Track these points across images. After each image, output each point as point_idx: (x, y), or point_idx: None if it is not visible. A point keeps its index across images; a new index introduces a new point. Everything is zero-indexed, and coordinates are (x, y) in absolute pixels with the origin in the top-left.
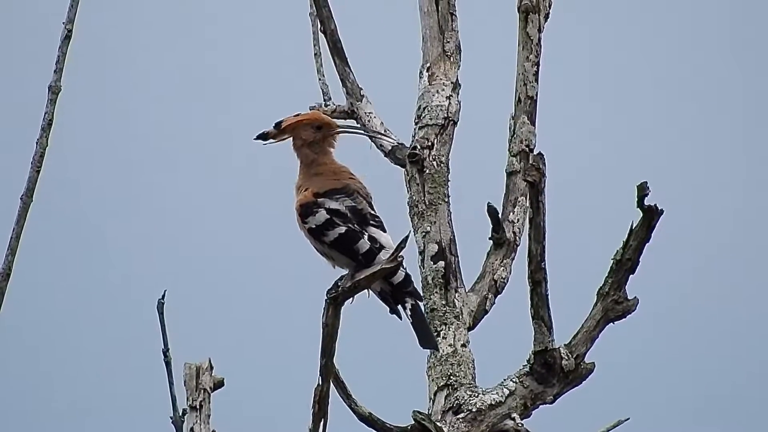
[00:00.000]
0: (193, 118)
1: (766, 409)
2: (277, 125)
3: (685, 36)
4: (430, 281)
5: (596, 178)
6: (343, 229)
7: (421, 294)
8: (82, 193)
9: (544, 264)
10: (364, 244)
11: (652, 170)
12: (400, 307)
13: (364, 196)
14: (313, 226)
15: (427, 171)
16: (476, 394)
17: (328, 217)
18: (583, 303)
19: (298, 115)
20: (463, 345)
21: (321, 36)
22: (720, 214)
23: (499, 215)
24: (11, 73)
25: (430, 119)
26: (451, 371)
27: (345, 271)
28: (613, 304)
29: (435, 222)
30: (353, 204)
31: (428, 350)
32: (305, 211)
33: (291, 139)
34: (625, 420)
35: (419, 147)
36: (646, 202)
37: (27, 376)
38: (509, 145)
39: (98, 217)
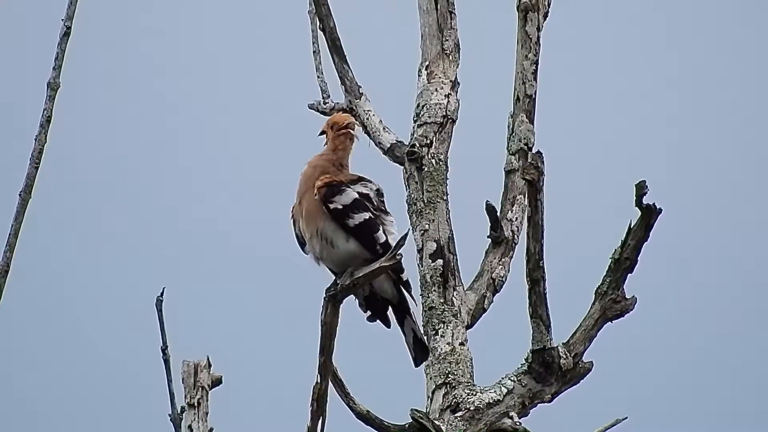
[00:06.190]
0: (192, 115)
1: (763, 407)
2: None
3: (684, 34)
4: (429, 279)
5: (595, 176)
6: (367, 215)
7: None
8: (81, 190)
9: (543, 262)
10: (381, 236)
11: (651, 169)
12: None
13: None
14: (339, 207)
15: (426, 169)
16: (474, 393)
17: (357, 197)
18: (581, 302)
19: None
20: (462, 343)
21: (320, 34)
22: (719, 213)
23: (498, 213)
24: (10, 69)
25: (429, 117)
26: (449, 369)
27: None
28: (612, 303)
29: (433, 220)
30: (378, 187)
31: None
32: (330, 191)
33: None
34: (623, 419)
35: (418, 145)
36: (645, 200)
37: (25, 373)
38: (508, 143)
39: (96, 214)
